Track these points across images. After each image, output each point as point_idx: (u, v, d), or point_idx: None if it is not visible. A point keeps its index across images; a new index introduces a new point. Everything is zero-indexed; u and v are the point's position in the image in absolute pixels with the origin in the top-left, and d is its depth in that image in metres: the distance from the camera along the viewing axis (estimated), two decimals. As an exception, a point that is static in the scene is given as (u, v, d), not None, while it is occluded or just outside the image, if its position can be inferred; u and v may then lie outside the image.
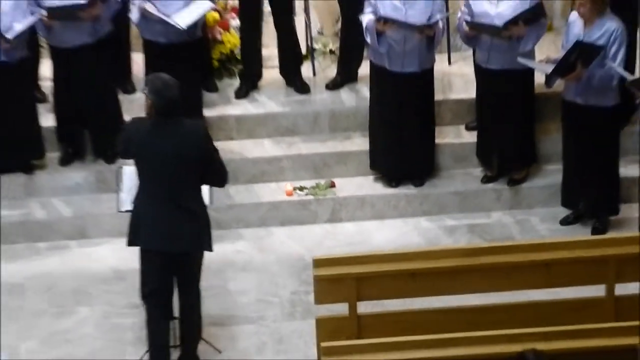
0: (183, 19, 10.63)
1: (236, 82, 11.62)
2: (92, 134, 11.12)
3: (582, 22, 10.13)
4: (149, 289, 9.02)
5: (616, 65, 9.97)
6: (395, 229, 10.87)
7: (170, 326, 9.17)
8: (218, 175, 8.97)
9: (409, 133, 10.86)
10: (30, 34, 10.85)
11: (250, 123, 11.34)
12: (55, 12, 10.60)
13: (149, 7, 10.63)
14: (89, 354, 9.58)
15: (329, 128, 11.38)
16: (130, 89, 11.39)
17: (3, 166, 11.02)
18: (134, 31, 11.19)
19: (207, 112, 11.21)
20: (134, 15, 10.79)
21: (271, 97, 11.52)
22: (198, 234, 9.03)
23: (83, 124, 11.09)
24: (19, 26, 10.58)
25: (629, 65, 10.35)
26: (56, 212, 10.96)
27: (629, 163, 10.50)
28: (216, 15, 11.48)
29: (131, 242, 9.07)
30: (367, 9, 10.67)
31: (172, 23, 10.60)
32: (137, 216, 9.03)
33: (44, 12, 10.62)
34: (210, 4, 10.98)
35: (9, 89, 10.76)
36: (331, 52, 11.89)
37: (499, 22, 10.35)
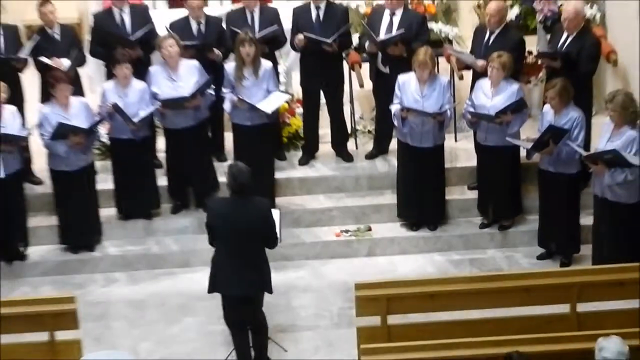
0: (268, 106, 10.64)
1: (299, 153, 11.62)
2: (194, 191, 11.16)
3: (552, 111, 10.12)
4: (230, 320, 9.11)
5: (577, 145, 9.98)
6: (415, 261, 10.82)
7: (248, 336, 9.16)
8: (272, 241, 8.96)
9: (425, 191, 10.85)
10: (150, 118, 10.86)
11: (309, 183, 11.35)
12: (167, 103, 10.69)
13: (241, 99, 10.59)
14: (190, 352, 9.63)
15: (367, 187, 11.34)
16: (222, 158, 11.43)
17: (131, 214, 11.09)
18: (226, 116, 11.16)
19: (278, 175, 11.20)
20: (226, 105, 10.75)
21: (325, 164, 11.54)
22: (261, 281, 8.98)
23: (188, 183, 11.12)
24: (142, 113, 10.64)
25: (586, 144, 10.32)
26: (167, 247, 10.99)
27: (586, 215, 10.38)
28: (286, 104, 11.46)
29: (210, 290, 9.07)
30: (395, 101, 10.65)
31: (262, 109, 10.60)
32: (215, 269, 9.00)
33: (159, 103, 10.69)
34: (287, 96, 11.12)
35: (135, 159, 10.84)
36: (369, 132, 11.83)
37: (493, 112, 10.33)
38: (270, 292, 9.10)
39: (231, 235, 8.83)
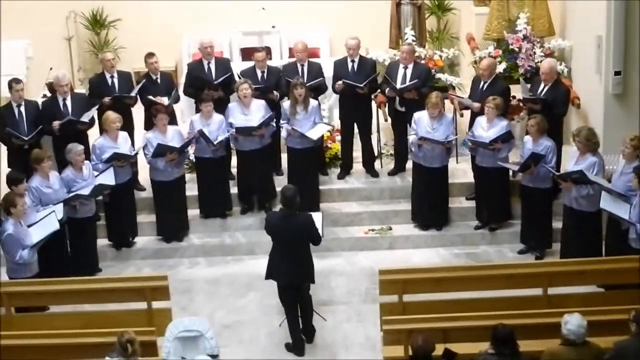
0: (314, 134, 10.61)
1: (337, 170, 11.49)
2: (258, 197, 11.06)
3: (531, 141, 10.04)
4: (282, 300, 9.01)
5: (550, 167, 9.89)
6: (425, 254, 10.67)
7: (297, 311, 9.06)
8: (317, 241, 8.85)
9: (433, 200, 10.75)
10: (226, 142, 10.77)
11: (345, 193, 11.23)
12: (240, 130, 10.61)
13: (294, 129, 10.58)
14: (253, 320, 9.60)
15: (389, 196, 11.22)
16: (279, 173, 11.25)
17: (210, 213, 10.96)
18: (282, 141, 11.03)
19: (321, 186, 11.07)
20: (283, 133, 10.74)
21: (357, 179, 11.40)
22: (305, 273, 8.91)
23: (253, 191, 11.03)
24: (221, 137, 10.55)
25: (557, 166, 10.19)
26: (237, 239, 10.88)
27: (557, 220, 10.23)
28: (328, 133, 11.41)
29: (267, 277, 8.97)
30: (411, 132, 10.62)
31: (309, 137, 10.55)
32: (271, 263, 8.92)
33: (234, 131, 10.62)
34: (329, 127, 11.06)
35: (214, 173, 10.77)
36: (391, 155, 11.68)
37: (487, 141, 10.25)
38: (313, 282, 9.05)
39: (281, 240, 8.80)
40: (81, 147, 10.02)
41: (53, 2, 13.21)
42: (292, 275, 8.83)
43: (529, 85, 10.82)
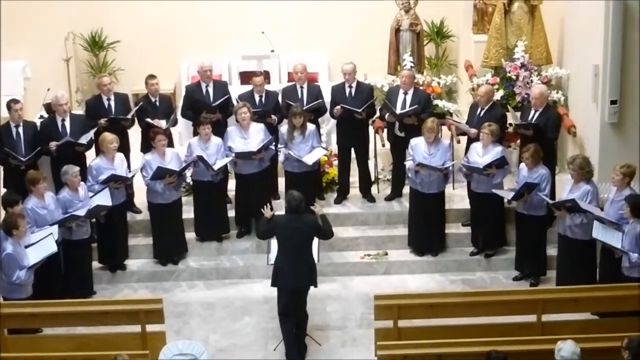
0: (311, 159, 10.73)
1: (334, 195, 11.53)
2: (255, 221, 10.74)
3: (526, 168, 10.10)
4: (283, 310, 9.12)
5: (544, 195, 9.97)
6: (421, 279, 10.69)
7: (293, 325, 9.12)
8: (327, 234, 9.21)
9: (430, 226, 10.78)
10: (224, 166, 10.75)
11: (341, 217, 11.25)
12: (239, 155, 10.66)
13: (292, 153, 10.67)
14: (248, 342, 9.59)
15: (385, 222, 11.24)
16: (277, 197, 11.28)
17: (206, 237, 10.99)
18: (280, 165, 11.13)
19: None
20: (280, 157, 10.84)
21: (354, 204, 11.43)
22: (309, 276, 9.10)
23: (250, 215, 10.97)
24: (220, 163, 10.62)
25: (552, 194, 10.28)
26: (234, 263, 10.88)
27: (552, 247, 10.30)
28: (325, 158, 11.47)
29: (273, 284, 9.16)
30: (408, 158, 10.68)
31: (305, 162, 10.67)
32: (276, 268, 9.09)
33: (233, 155, 10.66)
34: (324, 151, 11.06)
35: (212, 197, 10.83)
36: (388, 180, 11.71)
37: (482, 167, 10.31)
38: (315, 286, 9.17)
39: (288, 242, 8.97)
40: (77, 169, 10.08)
41: (52, 23, 13.37)
42: (297, 277, 8.97)
43: (518, 114, 10.94)
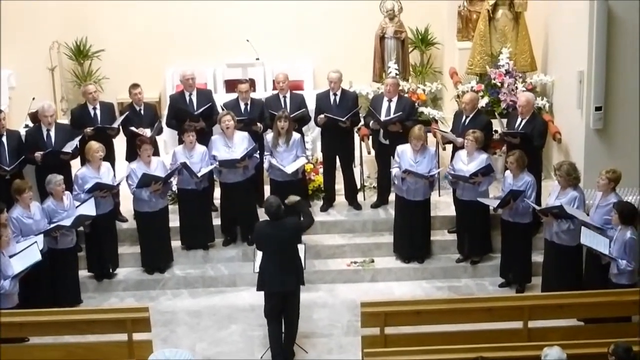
0: (291, 168, 10.73)
1: (320, 202, 11.57)
2: (241, 229, 11.12)
3: (512, 176, 10.15)
4: (268, 311, 9.16)
5: (530, 202, 10.01)
6: (407, 287, 10.71)
7: (281, 327, 9.18)
8: (310, 224, 9.33)
9: (415, 233, 10.80)
10: (209, 174, 10.82)
11: (327, 225, 11.28)
12: (223, 163, 10.68)
13: (274, 162, 10.71)
14: (234, 352, 9.60)
15: (372, 229, 11.26)
16: (262, 205, 10.88)
17: (192, 245, 11.00)
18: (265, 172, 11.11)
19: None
20: (265, 165, 10.85)
21: (339, 211, 11.46)
22: (296, 279, 9.13)
23: (236, 223, 11.07)
24: (204, 170, 10.63)
25: (538, 201, 10.35)
26: (219, 271, 10.87)
27: (538, 254, 10.35)
28: (311, 165, 11.54)
29: (259, 289, 9.22)
30: (394, 165, 10.70)
31: (285, 170, 10.67)
32: (262, 273, 9.13)
33: (218, 163, 10.69)
34: (305, 160, 11.01)
35: (197, 205, 10.84)
36: (374, 187, 11.72)
37: (467, 174, 10.35)
38: (303, 284, 9.24)
39: (271, 247, 9.02)
40: (60, 177, 10.06)
41: (37, 32, 13.36)
42: (284, 282, 9.02)
43: (505, 121, 10.99)
